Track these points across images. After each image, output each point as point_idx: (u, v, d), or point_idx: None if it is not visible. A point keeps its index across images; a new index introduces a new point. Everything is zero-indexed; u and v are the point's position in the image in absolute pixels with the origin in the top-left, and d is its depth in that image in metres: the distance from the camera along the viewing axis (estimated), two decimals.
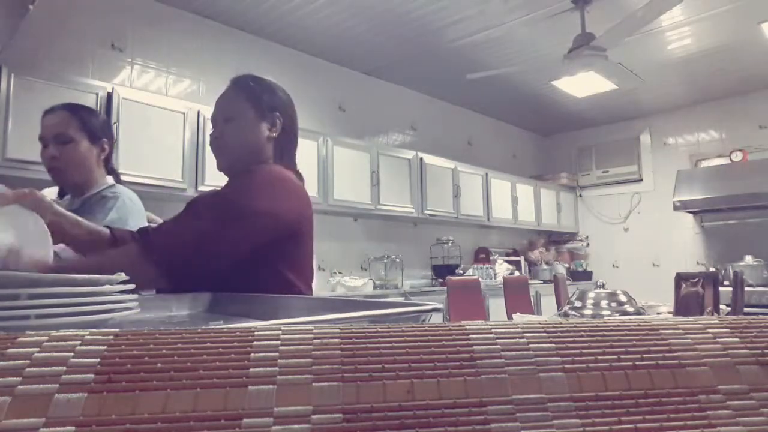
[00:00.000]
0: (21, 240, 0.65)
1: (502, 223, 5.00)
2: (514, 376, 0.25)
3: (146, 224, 1.33)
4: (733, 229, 4.88)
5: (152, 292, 1.01)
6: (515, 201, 5.12)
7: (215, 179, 2.02)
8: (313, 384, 0.24)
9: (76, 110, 1.41)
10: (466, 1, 3.24)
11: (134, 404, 0.22)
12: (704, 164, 5.15)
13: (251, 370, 0.24)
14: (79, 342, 0.25)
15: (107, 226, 1.06)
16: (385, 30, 3.62)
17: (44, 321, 0.50)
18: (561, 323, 0.30)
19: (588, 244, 5.86)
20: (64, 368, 0.24)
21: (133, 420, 0.22)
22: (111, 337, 0.26)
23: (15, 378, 0.23)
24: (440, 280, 4.31)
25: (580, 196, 6.00)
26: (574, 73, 3.48)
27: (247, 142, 1.16)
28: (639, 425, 0.24)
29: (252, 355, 0.25)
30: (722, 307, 1.26)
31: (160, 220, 1.47)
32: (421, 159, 4.26)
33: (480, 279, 3.61)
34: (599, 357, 0.27)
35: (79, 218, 0.99)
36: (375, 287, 3.85)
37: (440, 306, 0.62)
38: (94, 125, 1.40)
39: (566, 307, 1.26)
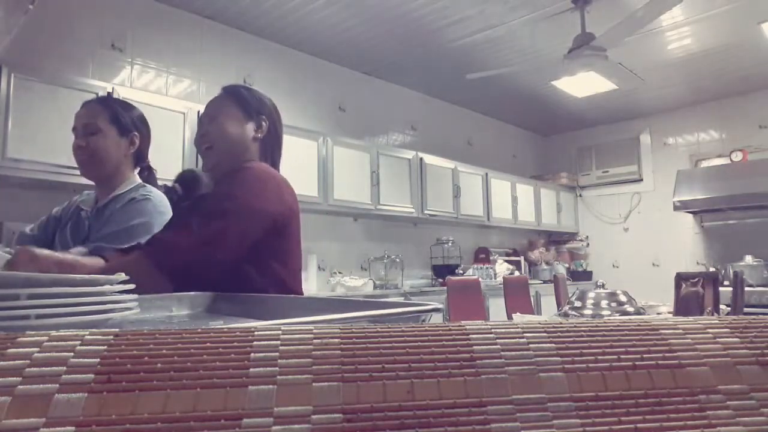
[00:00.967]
0: None
1: (502, 223, 5.00)
2: (514, 376, 0.25)
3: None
4: (733, 229, 4.88)
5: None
6: (515, 201, 5.12)
7: None
8: (313, 384, 0.24)
9: (108, 102, 1.42)
10: (466, 1, 3.24)
11: (134, 404, 0.22)
12: (704, 164, 5.14)
13: (251, 370, 0.24)
14: (79, 342, 0.25)
15: (99, 247, 1.10)
16: (385, 30, 3.62)
17: (44, 321, 0.50)
18: (561, 323, 0.30)
19: (588, 244, 5.86)
20: (64, 368, 0.24)
21: (133, 420, 0.22)
22: (111, 337, 0.26)
23: (15, 378, 0.23)
24: (440, 280, 4.31)
25: (580, 196, 6.00)
26: (574, 73, 3.48)
27: (232, 139, 1.18)
28: (639, 425, 0.24)
29: (252, 355, 0.25)
30: (722, 307, 1.26)
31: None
32: (421, 159, 4.26)
33: (480, 279, 3.61)
34: (599, 357, 0.27)
35: (78, 258, 1.00)
36: (375, 287, 3.84)
37: (440, 306, 0.62)
38: (125, 118, 1.39)
39: (566, 307, 1.26)
